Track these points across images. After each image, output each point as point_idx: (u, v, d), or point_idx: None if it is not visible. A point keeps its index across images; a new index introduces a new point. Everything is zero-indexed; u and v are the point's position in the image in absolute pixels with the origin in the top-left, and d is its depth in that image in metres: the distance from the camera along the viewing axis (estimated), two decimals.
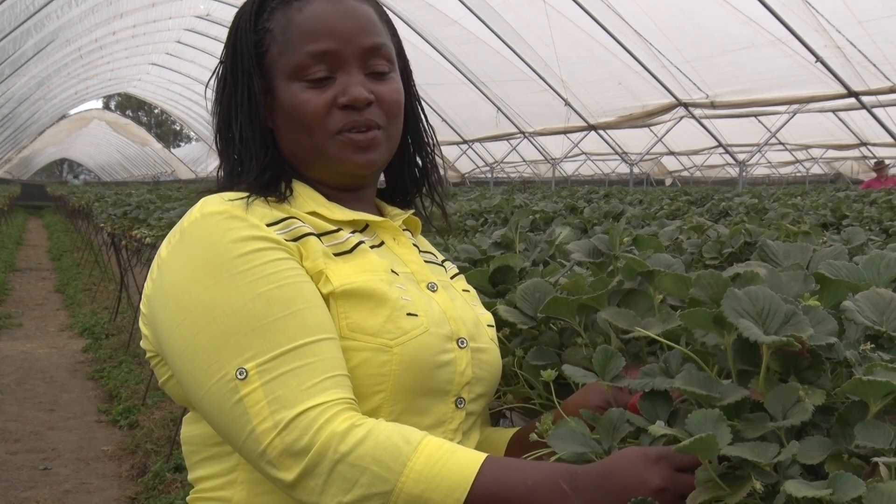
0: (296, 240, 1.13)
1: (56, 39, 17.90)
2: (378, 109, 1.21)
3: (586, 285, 1.32)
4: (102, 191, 16.68)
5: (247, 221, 1.11)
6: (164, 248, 1.15)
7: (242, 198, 1.14)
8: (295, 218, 1.16)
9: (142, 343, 1.21)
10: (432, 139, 1.37)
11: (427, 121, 1.36)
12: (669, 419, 1.02)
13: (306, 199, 1.21)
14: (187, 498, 1.20)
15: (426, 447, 1.00)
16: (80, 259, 14.26)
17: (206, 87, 1.28)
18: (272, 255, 1.09)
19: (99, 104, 53.38)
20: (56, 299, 10.72)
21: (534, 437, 1.08)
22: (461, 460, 0.99)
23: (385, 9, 1.29)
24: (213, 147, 1.27)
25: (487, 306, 1.47)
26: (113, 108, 62.58)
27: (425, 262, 1.28)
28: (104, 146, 51.22)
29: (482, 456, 1.00)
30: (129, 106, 64.90)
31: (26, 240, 19.92)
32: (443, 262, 1.36)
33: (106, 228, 8.33)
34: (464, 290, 1.32)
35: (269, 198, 1.17)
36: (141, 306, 1.18)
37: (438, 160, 1.37)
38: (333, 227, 1.19)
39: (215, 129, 1.25)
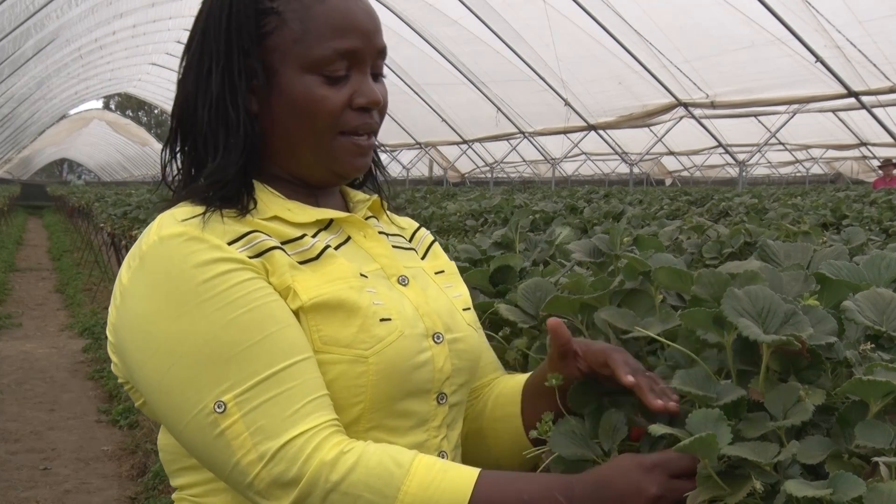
0: (260, 254, 1.08)
1: (56, 39, 17.90)
2: (377, 113, 1.19)
3: (587, 285, 1.32)
4: (102, 191, 16.67)
5: (208, 243, 1.05)
6: (124, 273, 1.09)
7: (198, 215, 1.09)
8: (257, 231, 1.10)
9: (112, 368, 1.16)
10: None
11: None
12: (670, 419, 1.02)
13: (266, 204, 1.15)
14: (173, 496, 1.18)
15: (418, 469, 0.99)
16: (80, 259, 14.24)
17: (182, 60, 1.18)
18: (238, 277, 1.04)
19: (99, 104, 53.46)
20: (56, 299, 10.70)
21: (534, 433, 1.08)
22: (455, 479, 0.99)
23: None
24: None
25: (487, 306, 1.47)
26: (113, 108, 62.63)
27: (394, 247, 1.24)
28: (104, 146, 51.23)
29: (475, 472, 1.00)
30: (129, 106, 64.97)
31: (26, 240, 19.90)
32: (412, 235, 1.32)
33: (106, 228, 8.33)
34: (437, 273, 1.27)
35: (226, 210, 1.10)
36: (107, 332, 1.13)
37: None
38: (297, 234, 1.14)
39: (178, 108, 1.16)
